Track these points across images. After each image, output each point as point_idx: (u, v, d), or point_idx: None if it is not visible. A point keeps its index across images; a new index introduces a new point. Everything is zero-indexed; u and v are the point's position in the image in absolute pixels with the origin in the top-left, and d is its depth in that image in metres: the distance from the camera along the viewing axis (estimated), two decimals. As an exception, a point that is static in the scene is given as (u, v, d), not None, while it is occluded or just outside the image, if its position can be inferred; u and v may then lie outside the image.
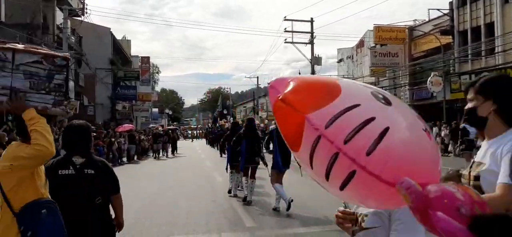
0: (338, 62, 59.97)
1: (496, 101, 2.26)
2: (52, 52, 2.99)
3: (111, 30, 39.16)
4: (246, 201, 9.50)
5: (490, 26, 25.90)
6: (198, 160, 23.85)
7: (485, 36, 26.11)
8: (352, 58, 54.85)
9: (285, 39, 45.75)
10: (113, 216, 3.75)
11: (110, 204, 3.71)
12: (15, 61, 2.79)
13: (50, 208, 2.80)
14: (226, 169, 10.95)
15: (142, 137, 27.91)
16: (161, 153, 28.02)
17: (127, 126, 26.50)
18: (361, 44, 50.41)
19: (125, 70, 42.30)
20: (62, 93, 2.96)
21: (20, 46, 2.91)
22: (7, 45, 2.87)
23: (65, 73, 2.98)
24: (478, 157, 2.40)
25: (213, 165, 19.96)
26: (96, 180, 3.50)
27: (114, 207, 3.76)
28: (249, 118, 12.22)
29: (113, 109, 39.18)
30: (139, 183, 14.23)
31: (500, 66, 24.31)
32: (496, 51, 25.14)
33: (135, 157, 24.88)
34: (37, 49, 2.99)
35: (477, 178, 2.28)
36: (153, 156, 27.26)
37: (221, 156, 23.09)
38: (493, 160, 2.22)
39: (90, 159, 3.59)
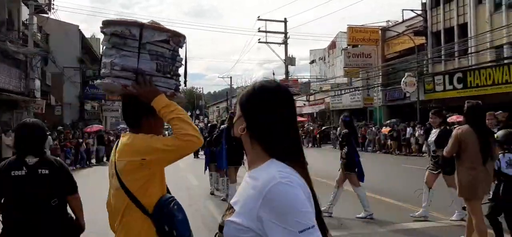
0: (310, 63, 60.00)
1: (245, 118, 1.60)
2: (178, 31, 2.48)
3: (79, 28, 37.92)
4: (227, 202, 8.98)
5: (463, 27, 26.15)
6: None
7: (458, 37, 26.33)
8: (324, 59, 54.94)
9: (259, 39, 45.48)
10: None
11: (68, 206, 3.56)
12: (142, 38, 2.33)
13: (176, 202, 2.41)
14: (204, 171, 10.64)
15: (112, 138, 26.94)
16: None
17: (95, 127, 25.60)
18: (333, 45, 50.51)
19: (95, 68, 41.02)
20: (179, 77, 2.56)
21: (147, 22, 2.41)
22: (134, 20, 2.43)
23: (185, 55, 2.60)
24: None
25: (187, 167, 19.32)
26: (51, 181, 3.33)
27: (72, 209, 3.58)
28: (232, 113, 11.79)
29: (81, 109, 37.92)
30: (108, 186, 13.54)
31: (473, 67, 24.50)
32: (469, 51, 25.35)
33: (104, 159, 23.96)
34: (163, 26, 2.47)
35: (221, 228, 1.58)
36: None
37: (195, 157, 22.45)
38: (246, 210, 1.49)
39: (44, 158, 3.41)
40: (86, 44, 39.53)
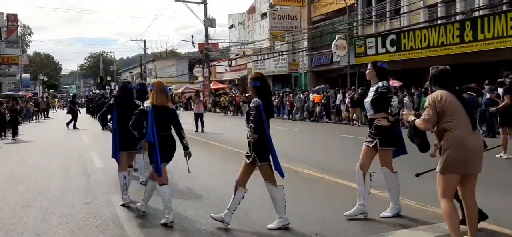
0: (229, 28, 57.79)
1: None
2: None
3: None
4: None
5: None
6: (74, 135, 19.66)
7: (390, -4, 25.08)
8: (244, 24, 53.00)
9: (176, -2, 41.90)
10: None
11: None
12: None
13: None
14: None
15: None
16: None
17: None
18: (252, 9, 48.56)
19: (-19, 26, 35.27)
20: None
21: None
22: None
23: None
24: None
25: (91, 141, 16.14)
26: None
27: None
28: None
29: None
30: None
31: (406, 28, 23.29)
32: (401, 11, 24.14)
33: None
34: None
35: None
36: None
37: (103, 128, 19.13)
38: None
39: None
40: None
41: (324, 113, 25.18)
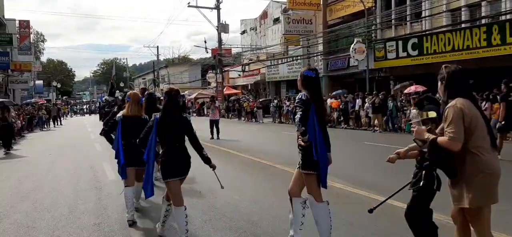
0: (241, 33, 57.33)
1: None
2: None
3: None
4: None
5: (415, -12, 23.97)
6: (86, 143, 19.08)
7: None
8: (256, 30, 52.49)
9: (189, 3, 41.51)
10: None
11: None
12: None
13: None
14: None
15: (13, 114, 22.15)
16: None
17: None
18: (264, 15, 47.88)
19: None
20: None
21: None
22: None
23: None
24: None
25: (104, 150, 15.53)
26: None
27: None
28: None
29: (-21, 81, 32.08)
30: None
31: (428, 32, 22.41)
32: (423, 15, 23.26)
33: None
34: None
35: None
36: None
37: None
38: None
39: None
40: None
41: (342, 119, 24.38)
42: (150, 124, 4.96)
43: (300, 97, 4.43)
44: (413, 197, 4.08)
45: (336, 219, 5.16)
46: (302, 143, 4.35)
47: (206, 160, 4.98)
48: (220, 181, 5.02)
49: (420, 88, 20.01)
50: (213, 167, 4.99)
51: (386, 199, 4.21)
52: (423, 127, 3.64)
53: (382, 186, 7.75)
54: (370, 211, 4.17)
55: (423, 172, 3.88)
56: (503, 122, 10.67)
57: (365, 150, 14.52)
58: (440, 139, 3.39)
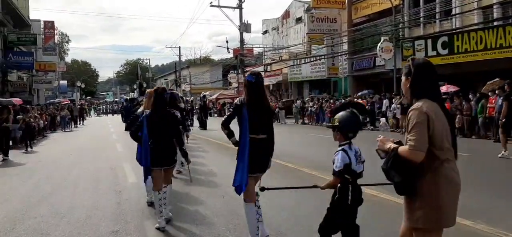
0: (263, 33, 56.96)
1: None
2: None
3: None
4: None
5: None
6: (107, 143, 18.87)
7: (440, -4, 23.35)
8: (278, 29, 52.03)
9: (211, 2, 41.26)
10: None
11: None
12: None
13: None
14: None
15: (36, 114, 22.15)
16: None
17: (14, 100, 20.78)
18: (287, 15, 47.33)
19: (18, 32, 35.31)
20: None
21: None
22: None
23: None
24: None
25: (125, 151, 15.26)
26: None
27: None
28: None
29: (4, 80, 32.30)
30: (10, 182, 9.83)
31: (458, 30, 21.55)
32: (453, 12, 22.40)
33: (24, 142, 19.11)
34: None
35: None
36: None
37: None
38: None
39: None
40: (8, 3, 33.59)
41: (368, 120, 23.66)
42: (141, 120, 5.73)
43: (235, 101, 4.82)
44: (327, 210, 3.83)
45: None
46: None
47: (184, 154, 6.02)
48: (191, 175, 6.28)
49: (452, 88, 19.25)
50: (188, 162, 6.14)
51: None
52: (387, 138, 3.14)
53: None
54: (262, 189, 4.39)
55: (338, 185, 3.62)
56: (503, 120, 11.57)
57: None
58: (401, 149, 2.90)
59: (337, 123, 3.68)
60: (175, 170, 8.60)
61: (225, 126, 4.64)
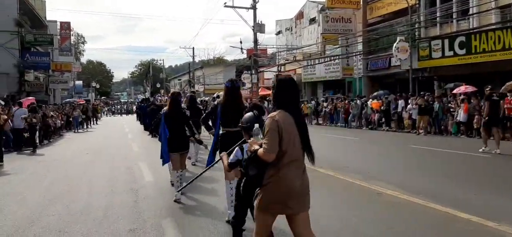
0: (276, 34, 56.87)
1: None
2: None
3: (16, -14, 32.47)
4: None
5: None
6: (123, 143, 18.96)
7: (456, -4, 23.04)
8: (291, 30, 51.91)
9: (225, 3, 41.26)
10: None
11: None
12: None
13: None
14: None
15: (51, 113, 22.36)
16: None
17: (29, 100, 21.02)
18: (300, 15, 47.19)
19: (35, 33, 35.70)
20: None
21: None
22: None
23: None
24: None
25: (141, 150, 15.31)
26: None
27: None
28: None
29: (21, 80, 32.68)
30: (29, 181, 9.84)
31: (476, 30, 21.24)
32: (470, 12, 22.09)
33: (41, 141, 19.35)
34: None
35: None
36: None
37: (152, 135, 18.47)
38: None
39: None
40: (25, 5, 34.01)
41: (383, 120, 23.46)
42: (159, 117, 7.30)
43: (214, 102, 6.79)
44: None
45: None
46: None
47: (198, 141, 7.88)
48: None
49: (470, 88, 18.98)
50: (205, 146, 7.50)
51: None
52: (256, 141, 3.51)
53: (441, 193, 7.05)
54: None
55: (244, 179, 3.98)
56: (487, 118, 12.61)
57: (412, 154, 13.67)
58: (260, 150, 3.37)
59: (246, 125, 4.08)
60: (191, 162, 10.71)
61: (203, 122, 6.75)
